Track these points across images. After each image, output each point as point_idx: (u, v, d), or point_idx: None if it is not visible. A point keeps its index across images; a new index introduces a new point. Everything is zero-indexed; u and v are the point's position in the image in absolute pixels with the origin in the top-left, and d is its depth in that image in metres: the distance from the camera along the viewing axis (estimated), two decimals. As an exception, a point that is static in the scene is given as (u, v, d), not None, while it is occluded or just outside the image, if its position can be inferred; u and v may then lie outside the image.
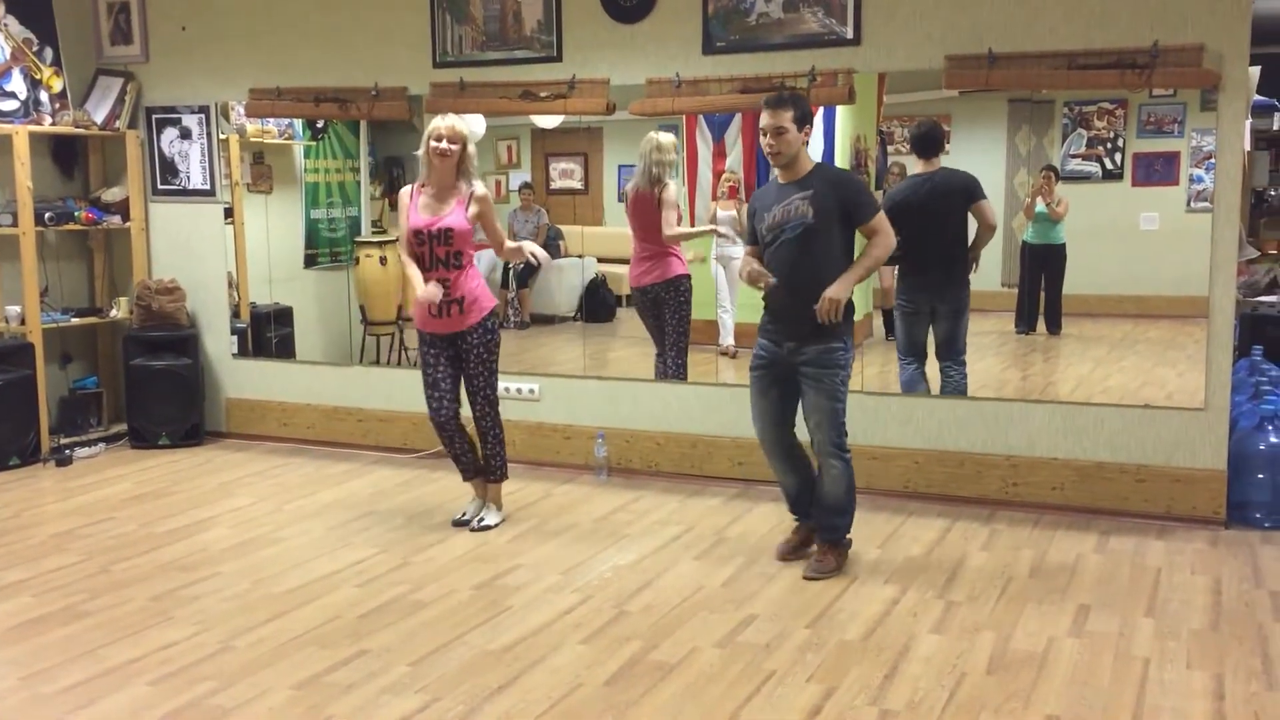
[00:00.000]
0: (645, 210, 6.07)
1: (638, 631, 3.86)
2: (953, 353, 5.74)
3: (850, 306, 4.33)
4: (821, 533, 4.48)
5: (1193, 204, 6.29)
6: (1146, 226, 6.64)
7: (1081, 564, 4.50)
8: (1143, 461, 5.01)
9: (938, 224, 5.69)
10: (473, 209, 4.81)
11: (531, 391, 6.12)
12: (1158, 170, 6.54)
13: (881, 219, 4.29)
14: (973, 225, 5.80)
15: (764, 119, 4.24)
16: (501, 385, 6.14)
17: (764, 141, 4.27)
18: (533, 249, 4.99)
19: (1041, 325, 6.82)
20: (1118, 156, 6.63)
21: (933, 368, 5.80)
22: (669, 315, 6.08)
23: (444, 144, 4.75)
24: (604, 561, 4.59)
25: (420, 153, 4.86)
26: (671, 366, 6.11)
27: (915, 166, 5.86)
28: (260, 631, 3.90)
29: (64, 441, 6.48)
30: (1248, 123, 5.13)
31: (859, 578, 4.36)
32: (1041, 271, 6.75)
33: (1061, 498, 5.13)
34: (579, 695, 3.39)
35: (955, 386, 5.67)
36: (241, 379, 6.84)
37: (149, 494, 5.69)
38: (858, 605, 4.08)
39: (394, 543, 4.86)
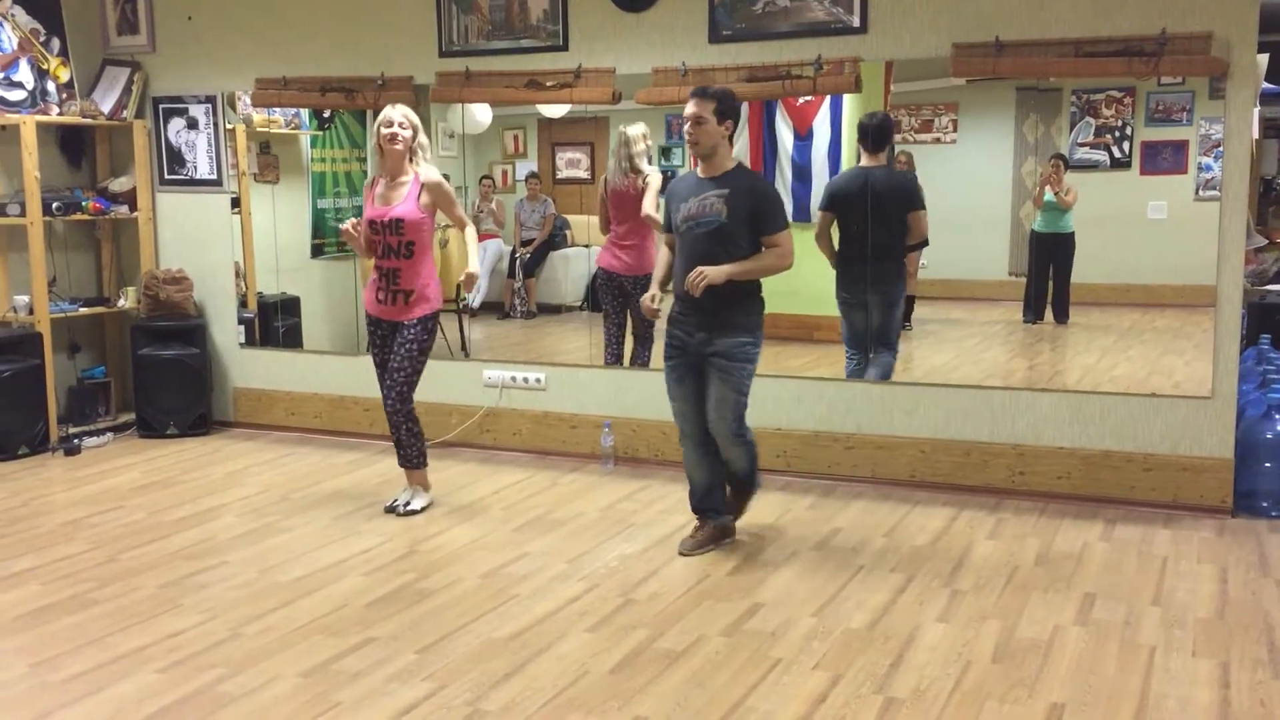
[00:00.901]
0: (621, 202, 6.11)
1: (644, 620, 3.87)
2: (885, 342, 5.84)
3: (759, 302, 4.45)
4: (735, 489, 4.66)
5: (1201, 192, 6.28)
6: (1154, 215, 6.63)
7: (1087, 553, 4.50)
8: (1149, 450, 5.01)
9: (871, 219, 5.76)
10: (424, 198, 4.85)
11: (538, 381, 6.13)
12: (1165, 159, 6.52)
13: (785, 236, 4.37)
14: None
15: (687, 107, 4.37)
16: (508, 374, 6.18)
17: (685, 129, 4.40)
18: (471, 275, 4.92)
19: (1049, 314, 6.81)
20: (1125, 145, 6.61)
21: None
22: (633, 307, 6.09)
23: (394, 129, 4.79)
24: (610, 550, 4.60)
25: (372, 144, 4.92)
26: (640, 357, 6.13)
27: (862, 159, 5.88)
28: (268, 619, 3.91)
29: (72, 431, 6.50)
30: (1256, 111, 5.11)
31: (865, 566, 4.36)
32: (1050, 260, 6.74)
33: (1068, 486, 5.13)
34: (585, 683, 3.40)
35: (883, 371, 5.76)
36: (248, 368, 6.86)
37: (157, 483, 5.71)
38: (864, 594, 4.08)
39: (400, 531, 4.87)
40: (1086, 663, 3.50)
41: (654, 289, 4.63)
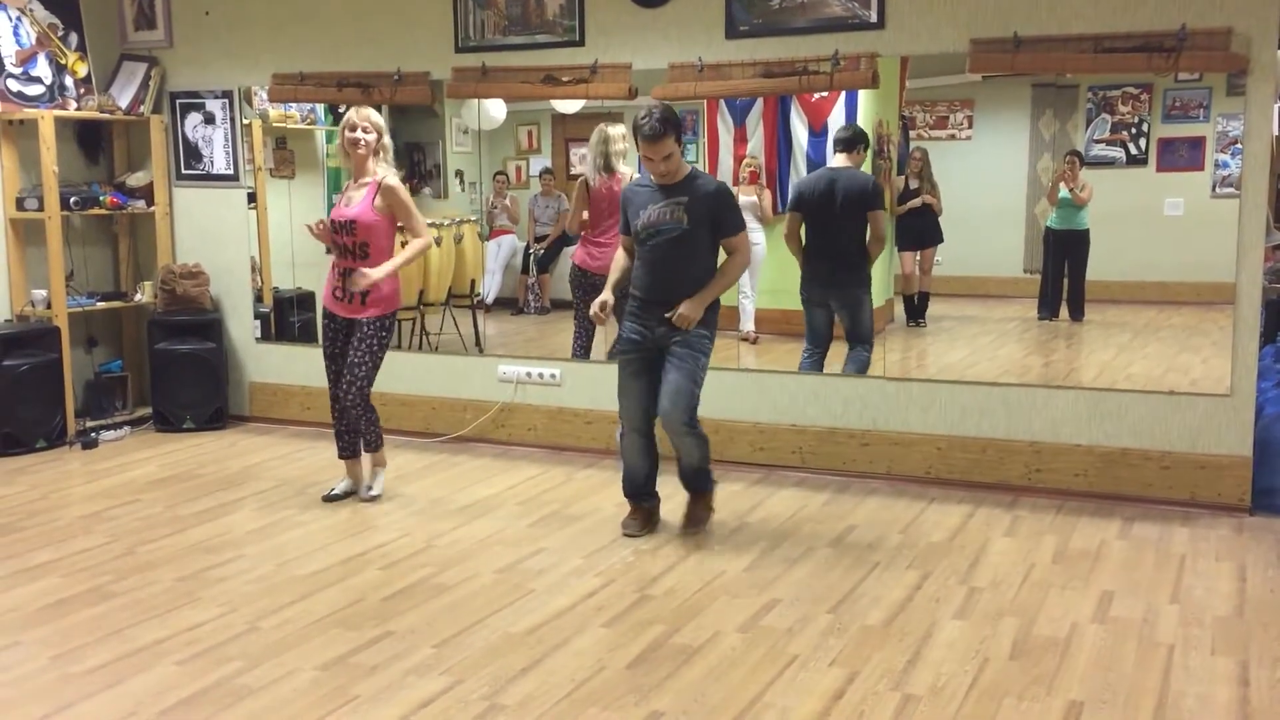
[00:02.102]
0: (603, 200, 6.11)
1: (660, 615, 3.87)
2: (858, 338, 5.84)
3: (716, 300, 4.58)
4: (692, 488, 4.76)
5: (1218, 189, 6.25)
6: (1171, 212, 6.60)
7: (1105, 550, 4.48)
8: (1167, 448, 4.99)
9: (833, 219, 5.78)
10: (379, 201, 4.90)
11: (553, 376, 6.13)
12: (1183, 155, 6.49)
13: (742, 238, 4.56)
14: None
15: (644, 149, 4.39)
16: (523, 370, 6.19)
17: (650, 166, 4.46)
18: (365, 275, 4.89)
19: (1064, 311, 6.79)
20: (1142, 142, 6.58)
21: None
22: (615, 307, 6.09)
23: (357, 133, 4.88)
24: (626, 545, 4.60)
25: (338, 145, 5.00)
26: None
27: (834, 159, 5.90)
28: (285, 613, 3.93)
29: (90, 425, 6.53)
30: (1276, 107, 5.08)
31: (881, 563, 4.36)
32: (1065, 257, 6.72)
33: (1085, 484, 5.11)
34: (602, 678, 3.41)
35: (859, 366, 5.77)
36: (264, 363, 6.88)
37: (174, 477, 5.73)
38: (880, 590, 4.08)
39: (416, 526, 4.88)
40: (1105, 660, 3.49)
41: (607, 294, 4.70)
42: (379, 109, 7.23)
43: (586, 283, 6.22)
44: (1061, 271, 6.78)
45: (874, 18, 5.23)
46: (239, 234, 6.81)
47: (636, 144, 4.45)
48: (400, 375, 6.46)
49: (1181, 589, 4.08)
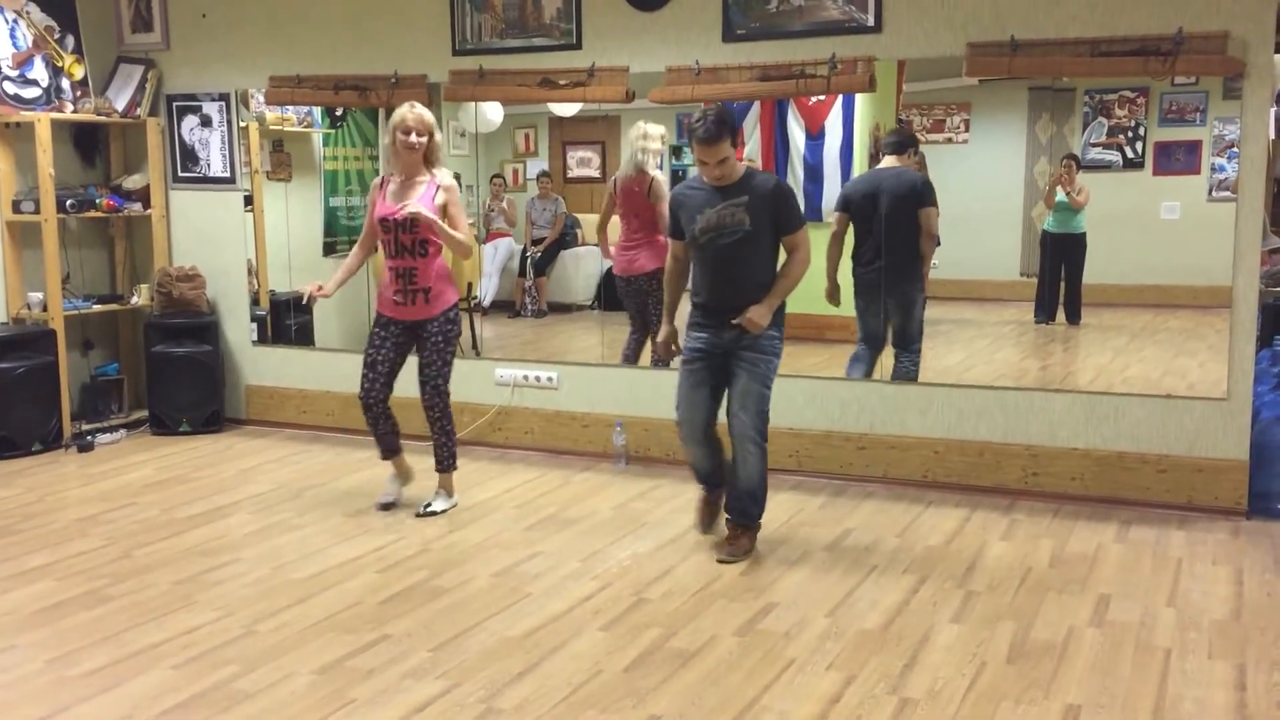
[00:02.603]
0: (631, 199, 6.11)
1: (657, 619, 3.87)
2: (905, 341, 5.80)
3: (780, 304, 4.45)
4: (736, 516, 4.52)
5: (1214, 193, 6.26)
6: (1167, 216, 6.61)
7: (1102, 554, 4.48)
8: (1164, 451, 4.99)
9: (885, 218, 5.75)
10: (439, 198, 4.85)
11: (550, 380, 6.13)
12: (1179, 159, 6.50)
13: (804, 234, 4.40)
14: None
15: (700, 152, 4.27)
16: (520, 373, 6.18)
17: (705, 170, 4.33)
18: (414, 209, 4.78)
19: (1061, 315, 6.80)
20: (1139, 145, 6.59)
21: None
22: (654, 305, 6.07)
23: (412, 137, 4.80)
24: (623, 549, 4.60)
25: (386, 143, 4.90)
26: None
27: (882, 161, 5.92)
28: (282, 616, 3.92)
29: (86, 428, 6.52)
30: (1273, 111, 5.08)
31: (878, 567, 4.36)
32: (1062, 261, 6.73)
33: (1082, 488, 5.11)
34: (599, 681, 3.40)
35: (904, 373, 5.72)
36: (261, 366, 6.87)
37: (170, 480, 5.72)
38: (877, 594, 4.08)
39: (413, 529, 4.88)
40: (1102, 664, 3.49)
41: (668, 326, 4.63)
42: (376, 112, 7.30)
43: (630, 289, 6.20)
44: (1058, 275, 6.78)
45: (871, 21, 5.24)
46: (236, 237, 6.81)
47: (691, 147, 4.34)
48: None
49: (1179, 593, 4.08)
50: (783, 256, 4.47)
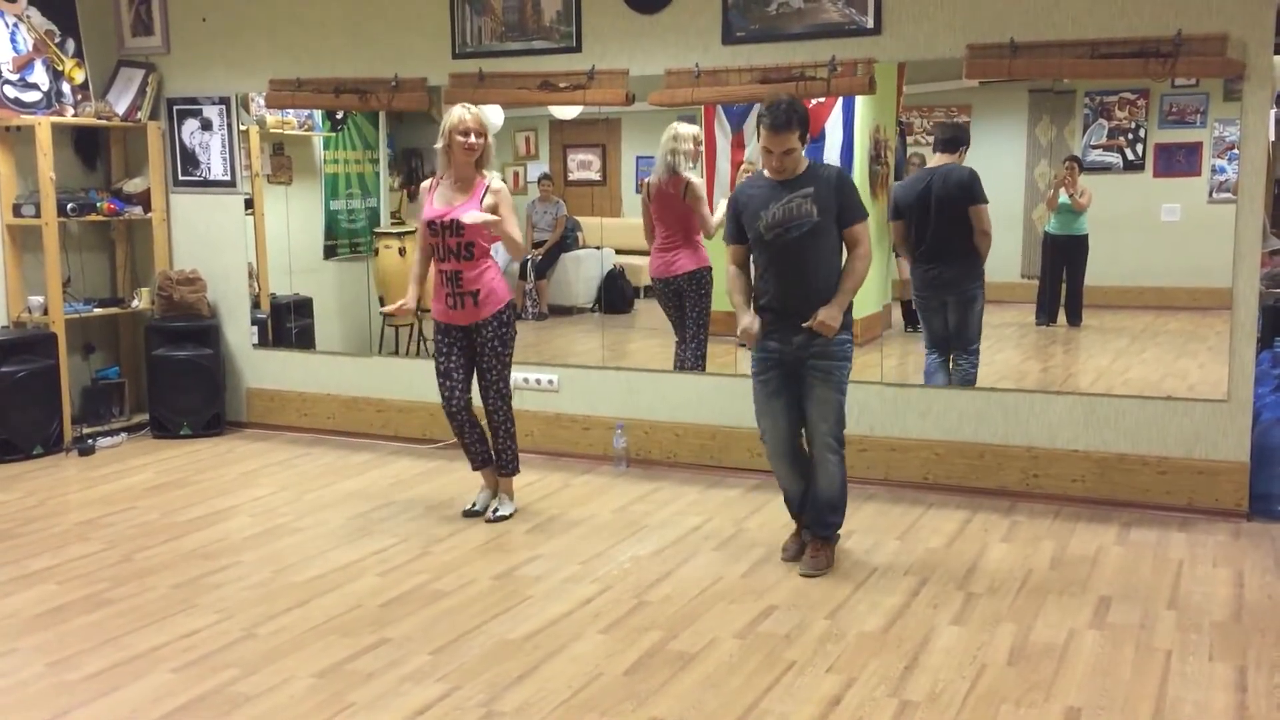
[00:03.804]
0: (665, 202, 6.05)
1: (657, 621, 3.87)
2: (962, 342, 5.75)
3: (849, 305, 4.31)
4: (816, 528, 4.40)
5: (1214, 195, 6.26)
6: (1168, 218, 6.61)
7: (1102, 556, 4.48)
8: (1164, 454, 4.99)
9: (937, 217, 5.71)
10: (489, 200, 4.79)
11: (550, 382, 6.13)
12: (1179, 161, 6.51)
13: (865, 227, 4.26)
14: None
15: (767, 139, 4.12)
16: (520, 375, 6.18)
17: (767, 160, 4.18)
18: (472, 219, 4.74)
19: (1062, 317, 6.80)
20: (1139, 147, 6.60)
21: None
22: (690, 307, 6.07)
23: (471, 138, 4.74)
24: (623, 552, 4.60)
25: (440, 145, 4.81)
26: (691, 358, 6.10)
27: (931, 160, 5.87)
28: (282, 620, 3.92)
29: (86, 431, 6.53)
30: (1273, 113, 5.09)
31: (878, 569, 4.35)
32: (1064, 262, 6.73)
33: (1082, 489, 5.11)
34: (599, 684, 3.40)
35: (962, 376, 5.69)
36: (262, 369, 6.88)
37: (171, 483, 5.72)
38: (877, 596, 4.07)
39: (414, 532, 4.88)
40: (1102, 666, 3.48)
41: (748, 317, 4.31)
42: (376, 115, 7.31)
43: (668, 290, 6.13)
44: (1060, 277, 6.78)
45: (871, 24, 5.24)
46: (236, 240, 6.81)
47: (758, 133, 4.18)
48: (398, 381, 6.47)
49: (1179, 594, 4.08)
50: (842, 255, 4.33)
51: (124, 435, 6.62)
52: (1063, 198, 6.57)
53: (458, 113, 4.78)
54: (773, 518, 4.99)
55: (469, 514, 5.09)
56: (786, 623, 3.84)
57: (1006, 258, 7.08)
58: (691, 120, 6.19)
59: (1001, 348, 6.92)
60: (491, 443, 5.08)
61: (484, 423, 5.07)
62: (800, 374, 4.28)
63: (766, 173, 4.25)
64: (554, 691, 3.35)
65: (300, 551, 4.65)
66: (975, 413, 5.29)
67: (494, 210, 4.78)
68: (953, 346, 5.74)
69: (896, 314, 6.79)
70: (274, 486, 5.64)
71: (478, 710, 3.24)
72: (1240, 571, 4.31)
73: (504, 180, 4.92)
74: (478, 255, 4.83)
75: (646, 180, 6.23)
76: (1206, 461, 4.92)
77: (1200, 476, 4.93)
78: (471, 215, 4.69)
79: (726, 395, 5.73)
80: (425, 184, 4.97)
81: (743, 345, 4.51)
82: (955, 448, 5.32)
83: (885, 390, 5.50)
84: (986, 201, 5.65)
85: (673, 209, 6.04)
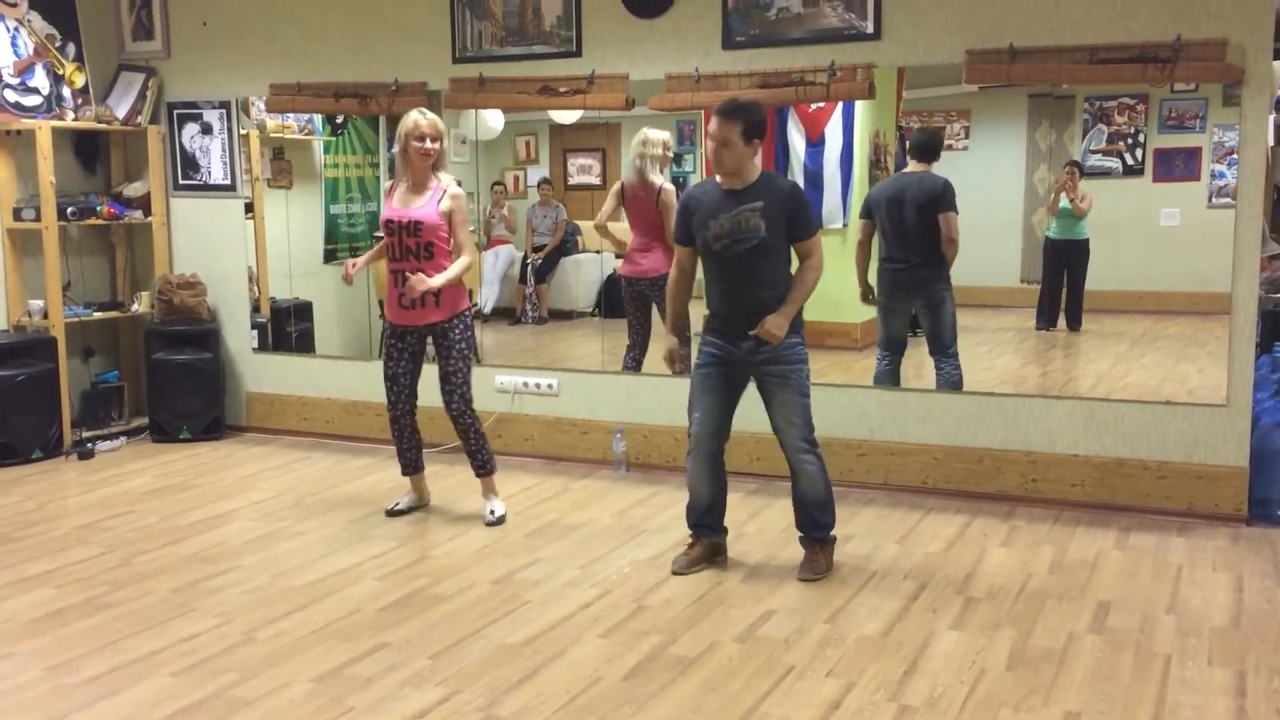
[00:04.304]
0: (639, 206, 6.12)
1: (657, 626, 3.87)
2: (940, 346, 5.80)
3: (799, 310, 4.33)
4: (810, 531, 4.36)
5: (1214, 200, 6.27)
6: (1167, 222, 6.62)
7: (1102, 561, 4.48)
8: (1164, 458, 4.99)
9: (907, 222, 5.77)
10: (445, 204, 4.86)
11: (550, 386, 6.13)
12: (1179, 166, 6.51)
13: (818, 240, 4.25)
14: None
15: (712, 126, 4.14)
16: (520, 379, 6.18)
17: (709, 150, 4.19)
18: (424, 288, 4.80)
19: (1062, 322, 6.80)
20: (1138, 152, 6.60)
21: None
22: (656, 311, 6.09)
23: (427, 143, 4.82)
24: (622, 556, 4.60)
25: (397, 149, 4.89)
26: (631, 362, 6.13)
27: (907, 165, 5.92)
28: (281, 624, 3.92)
29: (86, 435, 6.52)
30: (1272, 118, 5.09)
31: (878, 573, 4.35)
32: (1064, 267, 6.73)
33: (1082, 494, 5.11)
34: (598, 689, 3.40)
35: (947, 380, 5.72)
36: (261, 373, 6.88)
37: (170, 487, 5.72)
38: (877, 601, 4.07)
39: (413, 537, 4.88)
40: (1102, 671, 3.48)
41: (673, 341, 4.45)
42: (377, 119, 7.31)
43: (633, 290, 6.20)
44: (1060, 281, 6.79)
45: (870, 29, 5.24)
46: (236, 244, 6.82)
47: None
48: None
49: (1179, 599, 4.08)
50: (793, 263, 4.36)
51: (123, 439, 6.63)
52: (1063, 202, 6.58)
53: (413, 118, 4.84)
54: (771, 522, 4.99)
55: (393, 513, 5.16)
56: (786, 627, 3.84)
57: (1006, 263, 7.09)
58: (660, 126, 6.21)
59: (1001, 352, 6.92)
60: (464, 446, 5.11)
61: (450, 428, 5.08)
62: (742, 380, 4.30)
63: (719, 178, 4.25)
64: (553, 696, 3.35)
65: (299, 556, 4.64)
66: (974, 417, 5.29)
67: (449, 215, 4.85)
68: (932, 353, 5.80)
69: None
70: (273, 491, 5.64)
71: (477, 715, 3.24)
72: (1240, 576, 4.30)
73: (460, 184, 4.98)
74: (438, 255, 4.86)
75: (621, 181, 6.26)
76: (1206, 466, 4.92)
77: (1199, 481, 4.93)
78: (420, 283, 4.74)
79: (726, 399, 5.72)
80: (387, 184, 5.06)
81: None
82: (954, 452, 5.32)
83: (884, 395, 5.50)
84: (957, 211, 5.74)
85: (645, 214, 6.08)
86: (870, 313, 6.11)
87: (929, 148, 5.84)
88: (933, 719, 3.19)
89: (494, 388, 6.24)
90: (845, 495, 5.40)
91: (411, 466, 5.20)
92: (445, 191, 4.87)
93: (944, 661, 3.56)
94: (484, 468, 5.11)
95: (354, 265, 5.01)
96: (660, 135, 6.08)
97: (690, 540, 4.49)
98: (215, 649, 3.71)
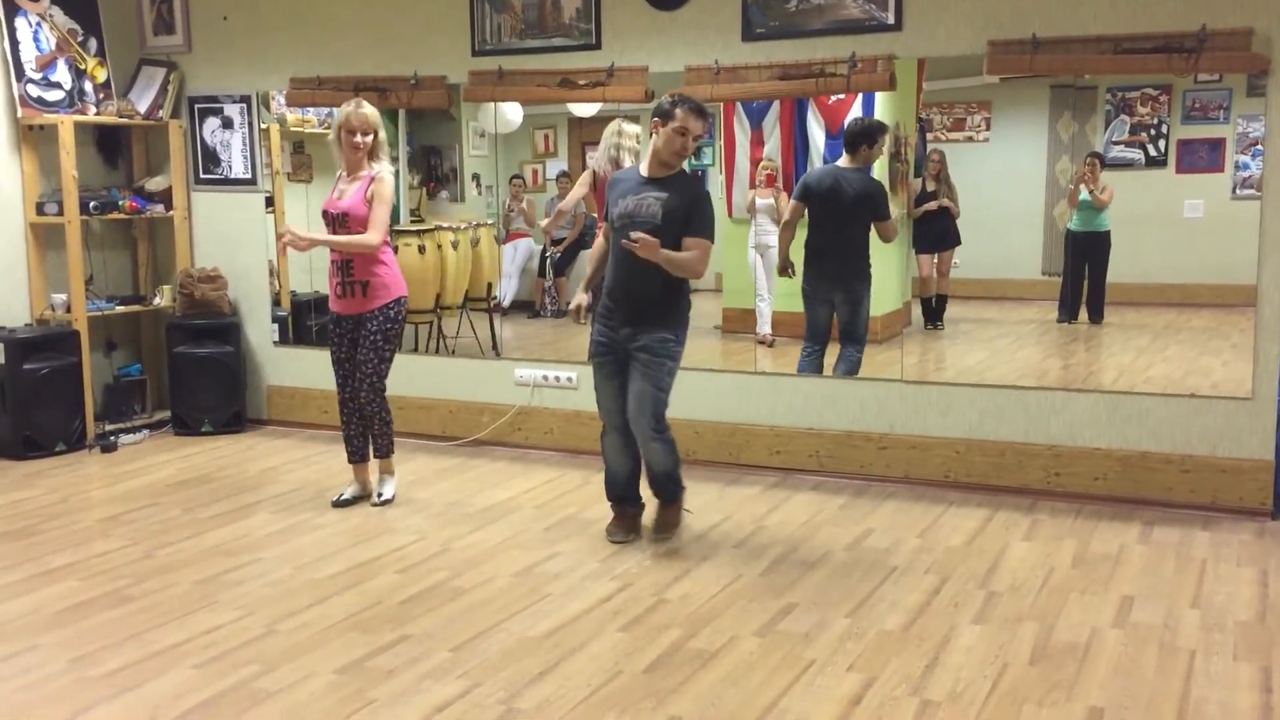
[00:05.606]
0: (601, 195, 6.11)
1: (677, 619, 3.86)
2: (853, 338, 5.89)
3: (686, 301, 4.52)
4: (661, 496, 4.74)
5: (1238, 191, 6.21)
6: (1191, 214, 6.55)
7: (1125, 555, 4.45)
8: (1188, 451, 4.95)
9: (836, 218, 5.84)
10: (370, 190, 4.95)
11: (569, 379, 6.13)
12: (1202, 157, 6.45)
13: (706, 249, 4.42)
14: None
15: (691, 122, 4.34)
16: (539, 373, 6.18)
17: (679, 142, 4.37)
18: (292, 235, 4.94)
19: (1083, 314, 6.75)
20: (1161, 143, 6.54)
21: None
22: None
23: (357, 137, 4.93)
24: (642, 549, 4.59)
25: (331, 139, 5.03)
26: None
27: (841, 159, 5.95)
28: (303, 616, 3.93)
29: (109, 428, 6.56)
30: (1297, 108, 5.04)
31: (899, 567, 4.34)
32: (1085, 259, 6.67)
33: (1104, 488, 5.08)
34: (619, 682, 3.40)
35: (847, 366, 5.79)
36: (282, 367, 6.90)
37: (192, 480, 5.75)
38: (898, 595, 4.06)
39: (433, 529, 4.89)
40: (1125, 666, 3.46)
41: (582, 296, 4.71)
42: (396, 112, 7.31)
43: None
44: (1082, 273, 6.73)
45: (891, 19, 5.21)
46: (257, 238, 6.84)
47: (673, 114, 4.34)
48: (417, 379, 6.48)
49: (1203, 594, 4.05)
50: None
51: (146, 432, 6.66)
52: (1084, 194, 6.53)
53: (345, 110, 4.98)
54: (792, 515, 4.98)
55: (338, 504, 5.21)
56: (806, 621, 3.83)
57: (1028, 255, 7.03)
58: (635, 120, 6.19)
59: (1023, 345, 6.88)
60: (368, 429, 5.21)
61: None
62: (628, 364, 4.51)
63: (643, 168, 4.50)
64: (574, 689, 3.35)
65: (321, 548, 4.66)
66: (996, 410, 5.26)
67: (370, 199, 4.95)
68: (841, 340, 5.88)
69: (916, 311, 6.76)
70: (294, 483, 5.66)
71: (497, 708, 3.24)
72: (1265, 571, 4.27)
73: (393, 171, 5.08)
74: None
75: (591, 168, 6.26)
76: (1230, 460, 4.89)
77: (1224, 475, 4.89)
78: (288, 237, 4.92)
79: (745, 393, 5.72)
80: (338, 176, 5.15)
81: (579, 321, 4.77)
82: (976, 446, 5.29)
83: (906, 388, 5.48)
84: (891, 219, 5.89)
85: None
86: (890, 306, 6.10)
87: (857, 139, 5.82)
88: (955, 714, 3.17)
89: (513, 381, 6.24)
90: (866, 489, 5.39)
91: (357, 455, 5.28)
92: (372, 178, 4.96)
93: (966, 656, 3.54)
94: (382, 451, 5.26)
95: (302, 237, 4.98)
96: (634, 128, 6.10)
97: (615, 514, 4.79)
98: (237, 641, 3.73)
